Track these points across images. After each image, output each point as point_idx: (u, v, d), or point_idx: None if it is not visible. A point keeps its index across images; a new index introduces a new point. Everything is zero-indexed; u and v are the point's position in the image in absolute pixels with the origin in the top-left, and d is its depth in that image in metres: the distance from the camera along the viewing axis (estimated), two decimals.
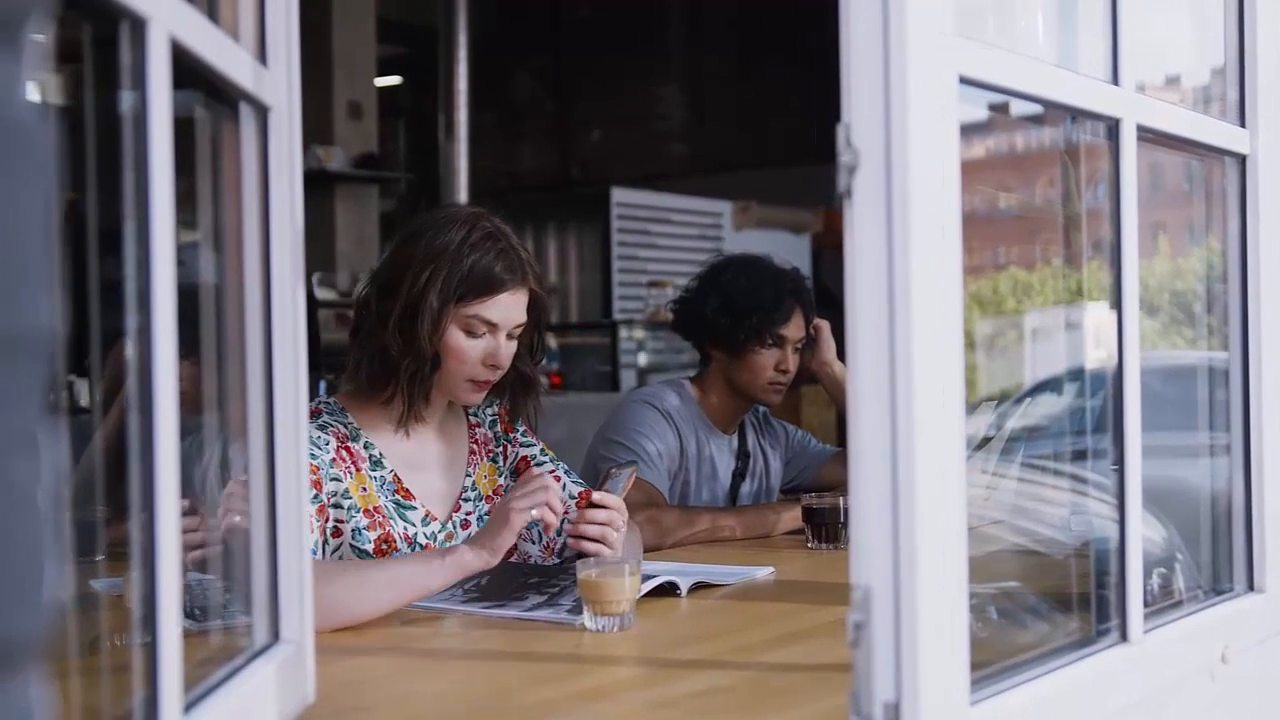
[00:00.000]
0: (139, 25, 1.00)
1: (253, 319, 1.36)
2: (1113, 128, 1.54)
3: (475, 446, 2.39)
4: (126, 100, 1.03)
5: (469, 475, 2.36)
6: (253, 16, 1.36)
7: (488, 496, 2.37)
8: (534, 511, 1.99)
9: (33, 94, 0.59)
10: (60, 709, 0.76)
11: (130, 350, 1.03)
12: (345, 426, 2.23)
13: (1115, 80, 1.54)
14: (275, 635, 1.38)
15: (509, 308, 2.22)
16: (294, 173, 1.40)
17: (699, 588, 2.20)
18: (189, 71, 1.13)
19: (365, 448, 2.24)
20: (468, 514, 2.33)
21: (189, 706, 1.10)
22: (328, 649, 1.56)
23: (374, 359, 2.22)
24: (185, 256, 1.12)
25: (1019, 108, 1.57)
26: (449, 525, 2.29)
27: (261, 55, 1.36)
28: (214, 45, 1.18)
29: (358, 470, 2.20)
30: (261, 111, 1.35)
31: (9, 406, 0.56)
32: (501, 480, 2.39)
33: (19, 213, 0.57)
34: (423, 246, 2.20)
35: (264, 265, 1.37)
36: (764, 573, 2.37)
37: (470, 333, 2.20)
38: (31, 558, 0.57)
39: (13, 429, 0.56)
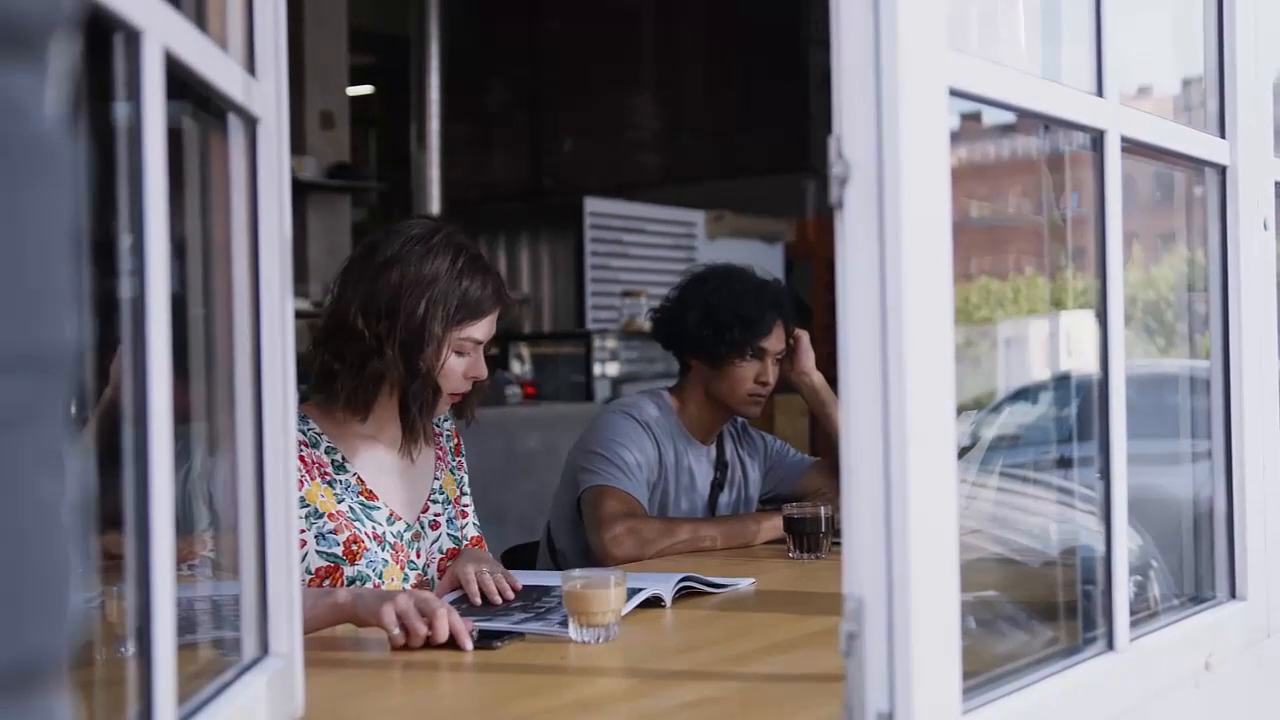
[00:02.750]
0: (133, 37, 1.00)
1: (241, 330, 1.36)
2: (1097, 139, 1.55)
3: (440, 453, 2.48)
4: (119, 111, 1.03)
5: (436, 479, 2.44)
6: (241, 27, 1.35)
7: (453, 501, 2.46)
8: (395, 632, 1.84)
9: (56, 110, 0.59)
10: None
11: (123, 361, 1.02)
12: (304, 433, 2.27)
13: (1099, 92, 1.55)
14: (264, 649, 1.37)
15: (492, 324, 2.34)
16: (282, 184, 1.39)
17: (685, 594, 2.20)
18: (179, 82, 1.12)
19: (327, 453, 2.29)
20: (436, 515, 2.41)
21: None
22: (316, 663, 1.55)
23: (371, 383, 2.26)
24: (172, 268, 1.12)
25: (990, 117, 1.58)
26: (416, 525, 2.36)
27: (250, 66, 1.35)
28: (206, 57, 1.17)
29: (313, 478, 2.25)
30: (250, 123, 1.35)
31: (35, 423, 0.56)
32: (459, 490, 2.49)
33: (44, 228, 0.56)
34: (411, 274, 2.25)
35: (252, 277, 1.36)
36: (746, 583, 2.37)
37: (460, 353, 2.30)
38: (58, 576, 0.56)
39: (39, 446, 0.56)
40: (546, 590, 2.20)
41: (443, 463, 2.47)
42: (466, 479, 2.55)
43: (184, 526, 1.51)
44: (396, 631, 1.85)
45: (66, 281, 0.59)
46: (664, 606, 2.14)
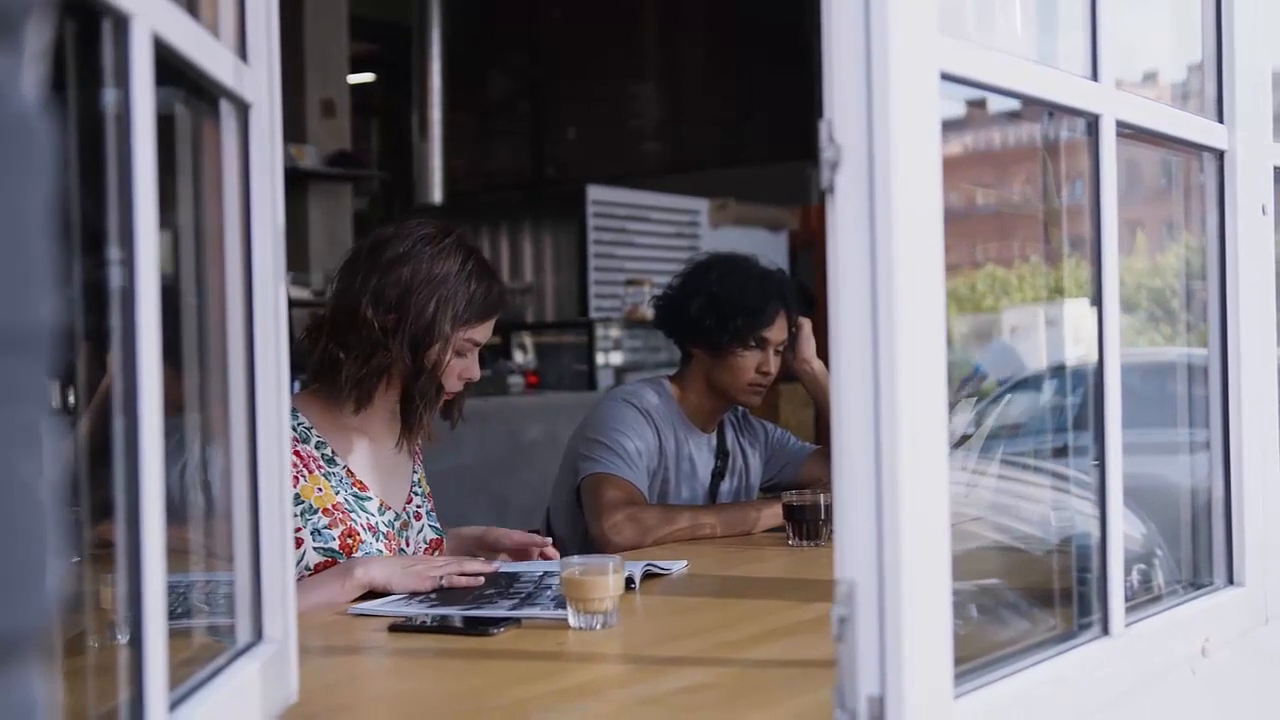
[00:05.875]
0: (122, 22, 0.99)
1: (234, 319, 1.36)
2: (1092, 123, 1.55)
3: (417, 450, 2.52)
4: (108, 97, 1.02)
5: (415, 473, 2.49)
6: (232, 13, 1.35)
7: (428, 494, 2.52)
8: (444, 581, 2.15)
9: (33, 91, 0.59)
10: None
11: (112, 351, 1.02)
12: (294, 429, 2.29)
13: (1095, 76, 1.55)
14: (258, 634, 1.37)
15: (490, 328, 2.40)
16: (275, 171, 1.39)
17: (648, 577, 2.26)
18: (169, 68, 1.12)
19: (317, 447, 2.32)
20: (418, 507, 2.47)
21: (173, 705, 1.10)
22: (310, 649, 1.56)
23: (375, 374, 2.30)
24: (165, 256, 1.11)
25: (996, 104, 1.58)
26: (404, 515, 2.42)
27: (242, 52, 1.35)
28: (196, 42, 1.17)
29: (311, 472, 2.28)
30: (242, 109, 1.34)
31: (13, 401, 0.56)
32: (428, 486, 2.55)
33: (21, 209, 0.57)
34: (422, 272, 2.29)
35: (245, 264, 1.36)
36: (679, 566, 2.41)
37: (460, 353, 2.35)
38: (35, 552, 0.57)
39: (17, 423, 0.56)
40: (516, 576, 2.22)
41: (418, 460, 2.52)
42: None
43: (185, 517, 1.52)
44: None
45: (44, 262, 0.59)
46: (634, 589, 2.15)
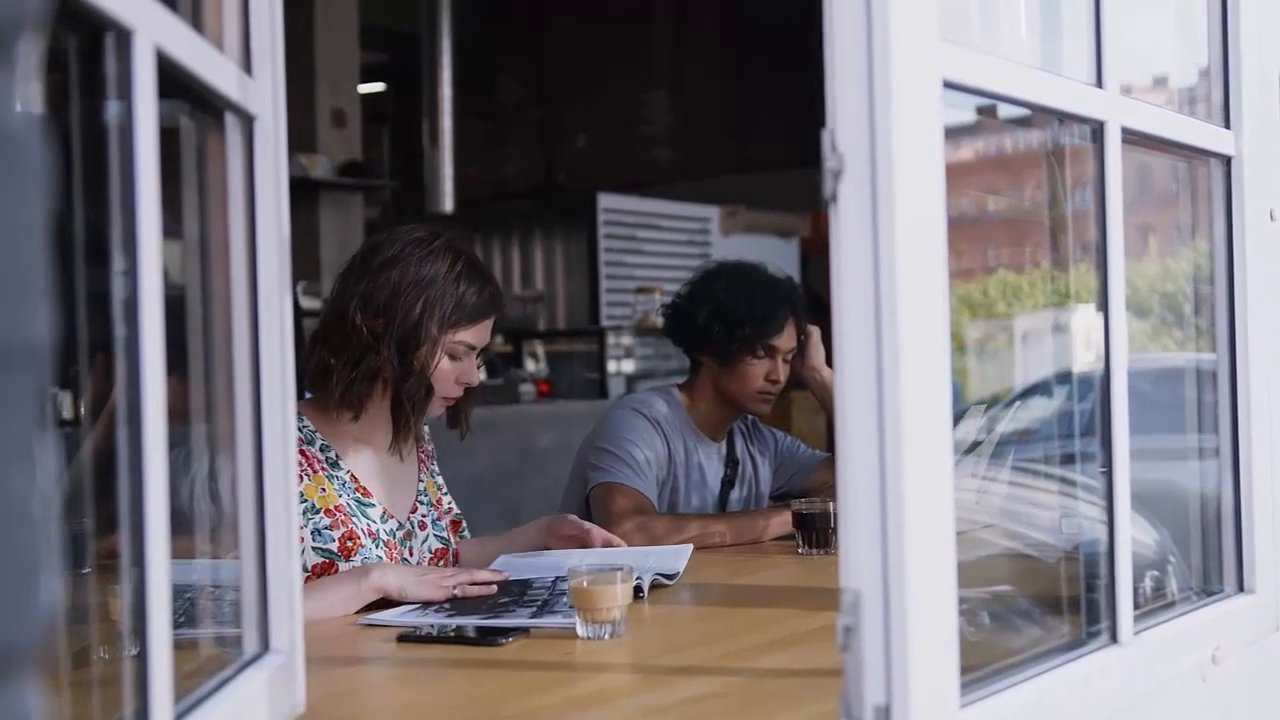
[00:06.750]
0: (124, 36, 1.00)
1: (240, 330, 1.36)
2: (1097, 130, 1.55)
3: (423, 457, 2.53)
4: (111, 110, 1.03)
5: (421, 481, 2.49)
6: (237, 26, 1.36)
7: (435, 504, 2.51)
8: (456, 591, 2.14)
9: (27, 106, 0.59)
10: None
11: (117, 362, 1.03)
12: (300, 431, 2.30)
13: (1099, 83, 1.54)
14: (265, 645, 1.38)
15: (487, 331, 2.39)
16: (280, 182, 1.39)
17: (656, 587, 2.25)
18: (173, 81, 1.12)
19: (321, 450, 2.33)
20: (423, 516, 2.47)
21: (179, 717, 1.10)
22: (317, 659, 1.56)
23: (366, 379, 2.30)
24: (172, 268, 1.12)
25: (1006, 110, 1.57)
26: (407, 524, 2.41)
27: (247, 65, 1.35)
28: (199, 55, 1.17)
29: (315, 473, 2.29)
30: (247, 121, 1.35)
31: (7, 416, 0.56)
32: (439, 492, 2.54)
33: (15, 224, 0.57)
34: (410, 275, 2.29)
35: (250, 276, 1.36)
36: (685, 551, 2.45)
37: (453, 356, 2.34)
38: (29, 566, 0.57)
39: (10, 439, 0.56)
40: (528, 584, 2.22)
41: (425, 467, 2.52)
42: (441, 479, 2.59)
43: (192, 528, 1.52)
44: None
45: (39, 278, 0.59)
46: (642, 598, 2.14)
